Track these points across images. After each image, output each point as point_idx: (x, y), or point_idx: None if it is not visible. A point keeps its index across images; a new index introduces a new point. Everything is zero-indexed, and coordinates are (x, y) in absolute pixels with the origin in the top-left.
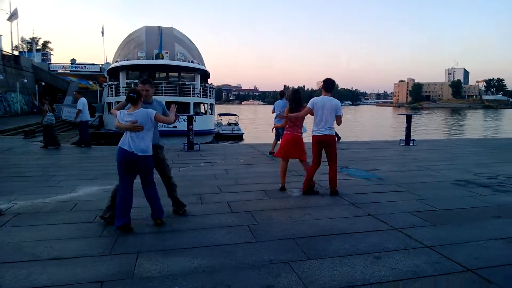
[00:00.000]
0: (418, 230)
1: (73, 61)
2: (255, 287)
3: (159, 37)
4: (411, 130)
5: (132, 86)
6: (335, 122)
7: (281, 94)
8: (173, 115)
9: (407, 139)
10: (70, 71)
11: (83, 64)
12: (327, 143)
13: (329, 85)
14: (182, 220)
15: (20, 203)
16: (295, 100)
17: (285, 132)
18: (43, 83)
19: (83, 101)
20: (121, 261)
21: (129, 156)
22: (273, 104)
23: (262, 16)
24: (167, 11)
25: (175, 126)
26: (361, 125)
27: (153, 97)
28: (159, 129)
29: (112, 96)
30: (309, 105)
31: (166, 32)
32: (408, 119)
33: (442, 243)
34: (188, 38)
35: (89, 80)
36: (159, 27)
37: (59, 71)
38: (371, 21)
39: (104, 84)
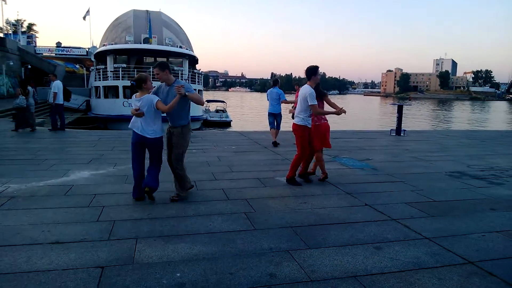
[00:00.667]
0: (416, 221)
1: (58, 44)
2: (258, 275)
3: (148, 22)
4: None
5: (120, 70)
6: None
7: (274, 82)
8: (169, 106)
9: (398, 130)
10: (56, 54)
11: (69, 47)
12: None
13: (306, 72)
14: (178, 207)
15: (13, 186)
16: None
17: (322, 121)
18: (29, 66)
19: (58, 84)
20: (120, 246)
21: (140, 138)
22: (266, 92)
23: (250, 1)
24: None
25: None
26: (350, 115)
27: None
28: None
29: (100, 80)
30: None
31: (154, 16)
32: (400, 109)
33: (441, 234)
34: (176, 22)
35: (75, 64)
36: (147, 11)
37: (44, 54)
38: (360, 11)
39: (91, 68)
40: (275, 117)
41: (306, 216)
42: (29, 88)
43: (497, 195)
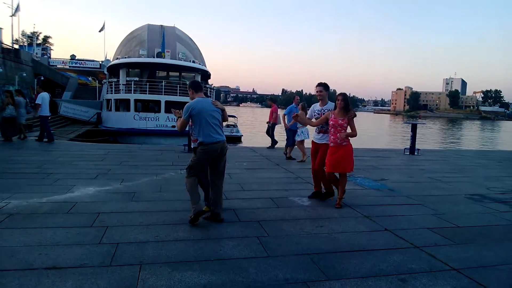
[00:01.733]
0: (441, 250)
1: (72, 56)
2: None
3: (162, 36)
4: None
5: (132, 84)
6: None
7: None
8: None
9: (412, 149)
10: (70, 66)
11: (83, 60)
12: None
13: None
14: (186, 229)
15: (14, 202)
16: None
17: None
18: (42, 78)
19: (43, 95)
20: (122, 273)
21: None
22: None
23: (263, 20)
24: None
25: (173, 126)
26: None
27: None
28: (156, 128)
29: (112, 93)
30: None
31: (168, 31)
32: (414, 128)
33: (470, 265)
34: (189, 37)
35: (88, 76)
36: (161, 25)
37: (58, 66)
38: (370, 29)
39: (104, 81)
40: (294, 133)
41: (323, 241)
42: (21, 99)
43: None
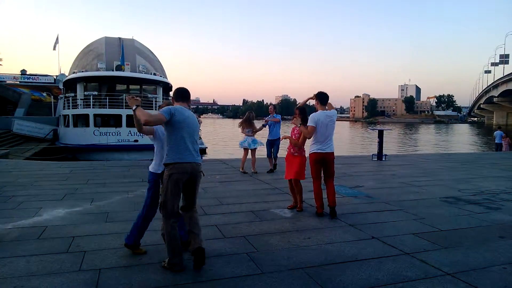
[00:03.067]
0: (431, 255)
1: (23, 72)
2: None
3: (121, 49)
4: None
5: (91, 98)
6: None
7: (275, 108)
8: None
9: (380, 154)
10: (21, 82)
11: (35, 75)
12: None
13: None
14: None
15: None
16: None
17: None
18: None
19: None
20: None
21: None
22: (238, 118)
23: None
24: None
25: (136, 140)
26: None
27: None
28: (117, 143)
29: (69, 108)
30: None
31: (127, 43)
32: (380, 134)
33: (462, 269)
34: (149, 49)
35: (42, 92)
36: (119, 38)
37: (8, 81)
38: (327, 39)
39: (60, 96)
40: (274, 144)
41: (314, 254)
42: None
43: (499, 221)
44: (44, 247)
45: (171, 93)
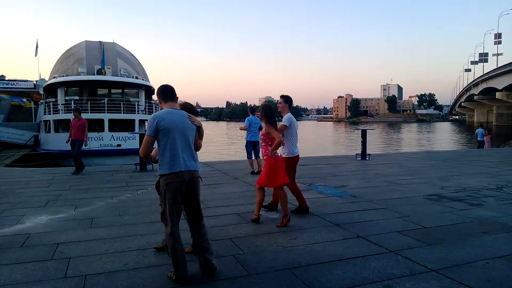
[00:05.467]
0: (415, 252)
1: (1, 77)
2: None
3: (102, 52)
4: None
5: (72, 103)
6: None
7: (251, 110)
8: None
9: (363, 154)
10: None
11: (14, 80)
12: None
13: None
14: (156, 254)
15: None
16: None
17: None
18: None
19: None
20: None
21: None
22: (221, 120)
23: (203, 33)
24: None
25: (119, 145)
26: (308, 140)
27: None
28: (100, 148)
29: (50, 113)
30: (287, 122)
31: (108, 47)
32: (364, 134)
33: (446, 265)
34: (131, 53)
35: (22, 98)
36: (100, 42)
37: None
38: (308, 39)
39: (40, 101)
40: (255, 146)
41: (300, 254)
42: None
43: (481, 217)
44: (28, 255)
45: (154, 96)
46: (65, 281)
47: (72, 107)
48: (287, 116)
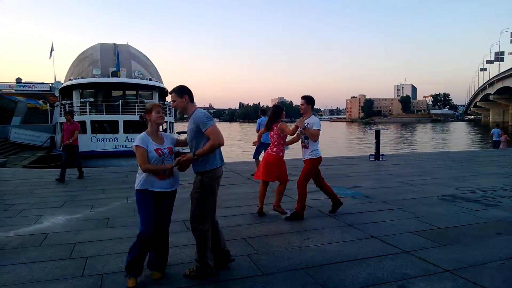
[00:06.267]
0: (429, 252)
1: (18, 80)
2: None
3: (116, 55)
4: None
5: (87, 105)
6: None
7: (263, 112)
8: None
9: (377, 154)
10: (16, 90)
11: (31, 83)
12: None
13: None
14: (171, 253)
15: None
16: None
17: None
18: None
19: None
20: None
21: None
22: (234, 121)
23: (216, 34)
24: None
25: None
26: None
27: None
28: (115, 149)
29: None
30: (319, 126)
31: (122, 49)
32: (377, 134)
33: (460, 265)
34: (144, 55)
35: (38, 100)
36: (114, 44)
37: (3, 90)
38: (322, 40)
39: (56, 103)
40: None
41: (314, 254)
42: None
43: (497, 218)
44: (46, 254)
45: (168, 97)
46: (82, 279)
47: (88, 109)
48: (317, 121)
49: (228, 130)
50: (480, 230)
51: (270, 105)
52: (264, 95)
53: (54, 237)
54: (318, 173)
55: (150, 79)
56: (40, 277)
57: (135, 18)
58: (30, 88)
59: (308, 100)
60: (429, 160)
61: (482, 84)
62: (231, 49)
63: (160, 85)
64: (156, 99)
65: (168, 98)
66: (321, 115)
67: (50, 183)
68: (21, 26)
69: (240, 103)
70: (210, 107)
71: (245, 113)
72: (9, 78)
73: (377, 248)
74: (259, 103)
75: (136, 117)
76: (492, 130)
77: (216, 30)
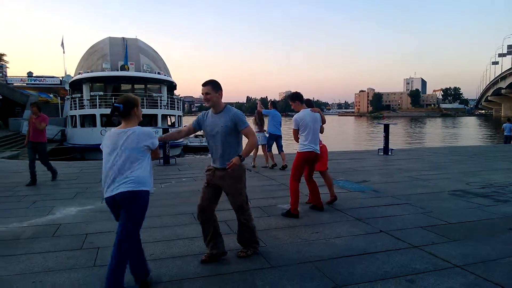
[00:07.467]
0: (439, 247)
1: (29, 74)
2: None
3: (125, 48)
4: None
5: (97, 98)
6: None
7: (273, 104)
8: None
9: (386, 149)
10: (28, 84)
11: (42, 77)
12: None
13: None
14: (181, 245)
15: None
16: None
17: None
18: (0, 97)
19: None
20: None
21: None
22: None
23: (225, 28)
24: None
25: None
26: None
27: (229, 107)
28: None
29: (76, 109)
30: (294, 126)
31: (131, 43)
32: (386, 128)
33: (471, 261)
34: (153, 49)
35: (49, 93)
36: (123, 38)
37: (16, 84)
38: (331, 33)
39: (67, 97)
40: (276, 139)
41: (323, 248)
42: None
43: (508, 214)
44: (59, 244)
45: (176, 91)
46: (94, 269)
47: (97, 103)
48: (294, 118)
49: None
50: (491, 226)
51: (278, 98)
52: (272, 89)
53: (66, 228)
54: (311, 170)
55: (159, 73)
56: (54, 266)
57: (144, 12)
58: (41, 82)
59: (292, 97)
60: (439, 154)
61: (493, 78)
62: (238, 42)
63: (169, 78)
64: (164, 93)
65: (176, 92)
66: (329, 109)
67: (62, 175)
68: (31, 20)
69: (247, 96)
70: None
71: (253, 107)
72: (20, 71)
73: (386, 243)
74: (266, 96)
75: (144, 111)
76: (504, 124)
77: (224, 22)
